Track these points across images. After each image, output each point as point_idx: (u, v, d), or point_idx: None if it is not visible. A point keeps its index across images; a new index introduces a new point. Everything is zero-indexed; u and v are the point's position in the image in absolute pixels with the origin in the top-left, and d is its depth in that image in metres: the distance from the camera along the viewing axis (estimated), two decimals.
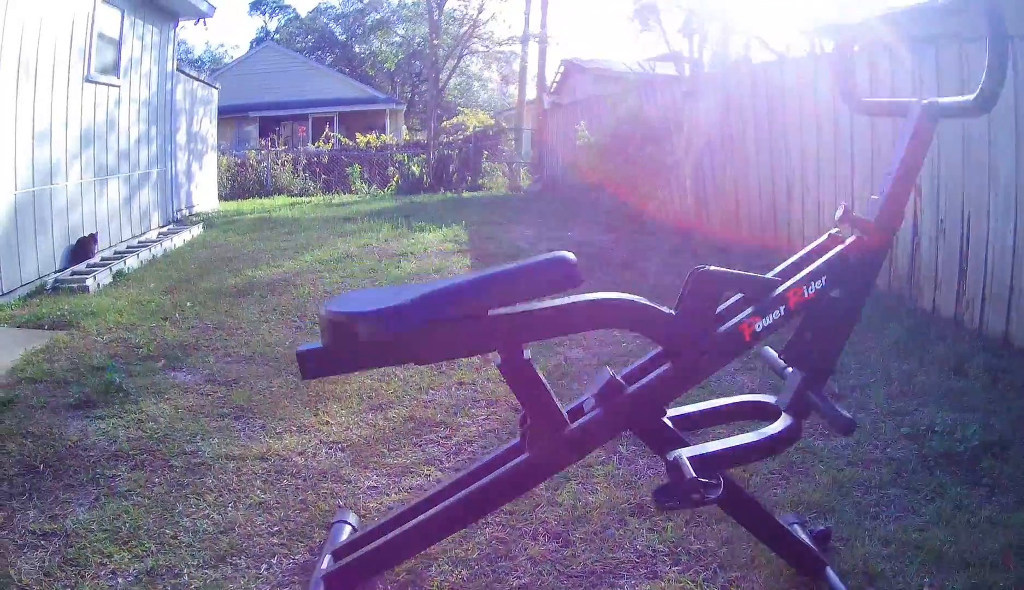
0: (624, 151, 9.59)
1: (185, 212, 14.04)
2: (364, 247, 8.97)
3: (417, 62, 19.87)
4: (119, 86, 10.29)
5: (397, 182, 20.28)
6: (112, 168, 10.07)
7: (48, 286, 7.55)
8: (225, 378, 4.75)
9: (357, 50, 35.90)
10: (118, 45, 10.23)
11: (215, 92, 16.60)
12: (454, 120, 27.45)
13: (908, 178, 2.05)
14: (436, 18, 20.12)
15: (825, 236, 2.24)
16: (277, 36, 47.77)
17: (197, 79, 15.04)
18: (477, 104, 23.87)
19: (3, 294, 7.05)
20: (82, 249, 8.63)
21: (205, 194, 15.73)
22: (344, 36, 40.62)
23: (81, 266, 8.25)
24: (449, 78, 23.51)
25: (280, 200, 18.25)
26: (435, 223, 10.82)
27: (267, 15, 50.56)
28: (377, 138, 24.52)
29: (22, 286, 7.40)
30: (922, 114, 2.02)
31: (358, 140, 24.22)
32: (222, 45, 50.58)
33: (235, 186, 20.70)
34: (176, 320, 6.10)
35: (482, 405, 4.29)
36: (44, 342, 5.47)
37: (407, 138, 27.45)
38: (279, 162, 21.38)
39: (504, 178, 20.99)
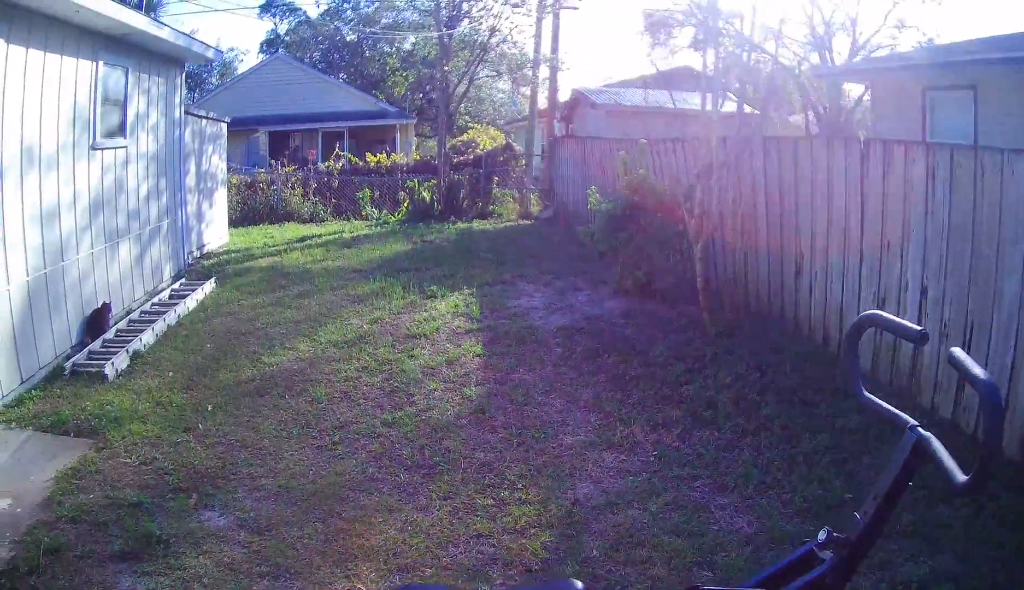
0: (636, 221, 9.48)
1: (196, 253, 14.01)
2: (376, 323, 8.88)
3: (426, 69, 19.65)
4: (126, 146, 10.23)
5: (407, 208, 20.17)
6: (122, 230, 10.03)
7: (66, 372, 7.48)
8: (257, 523, 4.79)
9: (368, 55, 35.65)
10: (123, 104, 10.13)
11: (224, 126, 16.54)
12: (464, 137, 27.34)
13: (889, 506, 2.04)
14: (446, 41, 19.93)
15: (805, 549, 2.23)
16: (287, 38, 47.66)
17: (206, 117, 14.98)
18: (488, 115, 23.62)
19: (22, 381, 7.03)
20: (96, 321, 8.59)
21: (216, 230, 15.68)
22: (354, 37, 40.40)
23: (97, 344, 8.18)
24: (460, 103, 23.33)
25: (290, 230, 18.17)
26: (446, 284, 10.73)
27: (277, 17, 50.45)
28: (387, 157, 24.37)
29: (40, 369, 7.39)
30: (912, 451, 1.99)
31: (368, 160, 24.11)
32: (232, 49, 50.50)
33: (245, 209, 20.61)
34: (199, 434, 6.08)
35: (499, 565, 4.27)
36: (73, 458, 5.58)
37: (416, 157, 27.31)
38: (289, 184, 21.29)
39: (515, 204, 20.83)
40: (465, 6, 20.18)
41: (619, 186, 10.05)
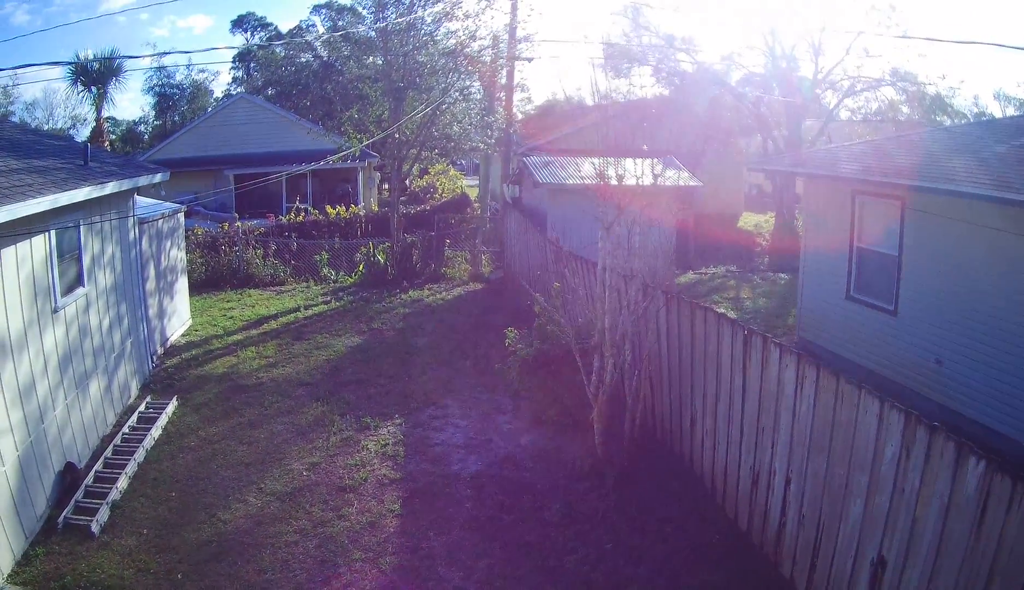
0: (547, 367, 10.65)
1: (160, 351, 15.01)
2: (313, 470, 10.09)
3: (379, 131, 20.51)
4: (86, 293, 11.10)
5: (362, 270, 21.28)
6: (90, 370, 11.01)
7: (59, 526, 8.67)
8: None
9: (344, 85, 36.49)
10: (79, 254, 10.95)
11: (181, 216, 17.48)
12: (423, 181, 28.40)
13: None
14: (396, 108, 20.84)
15: None
16: (259, 53, 48.23)
17: (161, 217, 15.84)
18: (453, 144, 24.41)
19: (26, 538, 8.30)
20: (69, 472, 9.63)
21: (179, 318, 16.68)
22: (320, 67, 41.22)
23: (80, 494, 9.26)
24: (412, 167, 24.27)
25: (250, 301, 19.30)
26: (381, 410, 11.97)
27: (249, 32, 51.02)
28: (346, 209, 25.43)
29: (38, 522, 8.65)
30: None
31: (328, 212, 25.16)
32: (203, 71, 51.06)
33: (209, 271, 21.61)
34: None
35: None
36: None
37: (375, 208, 28.33)
38: (250, 245, 22.23)
39: (467, 265, 21.93)
40: (415, 76, 20.98)
41: (535, 326, 11.18)
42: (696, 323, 9.18)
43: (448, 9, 20.52)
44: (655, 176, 10.59)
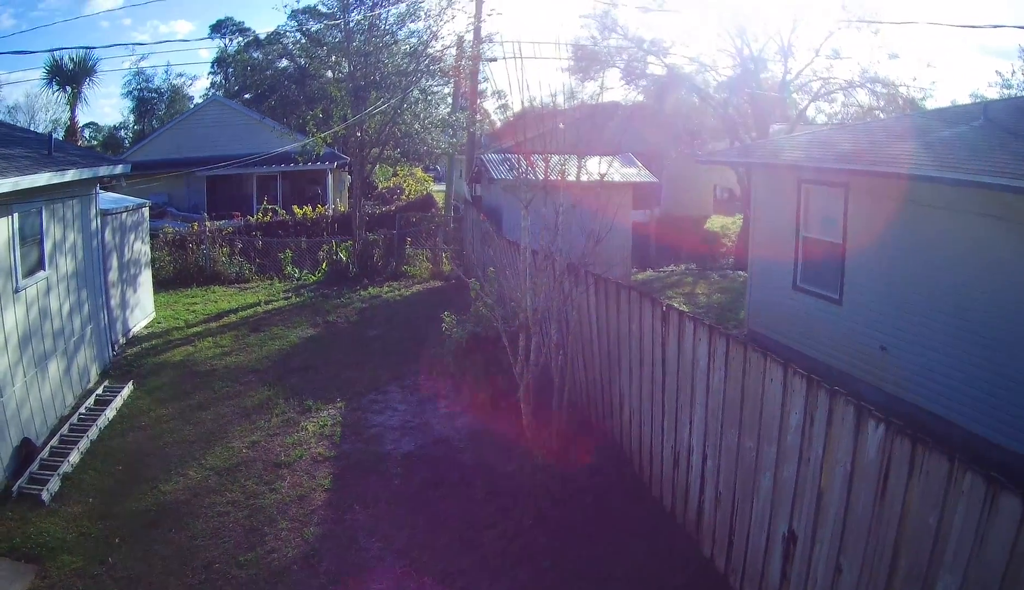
0: (482, 350, 11.27)
1: (122, 341, 15.55)
2: (253, 447, 10.69)
3: (342, 131, 21.07)
4: (47, 276, 11.64)
5: (325, 268, 21.91)
6: (50, 352, 11.56)
7: (14, 494, 9.22)
8: None
9: (312, 88, 37.10)
10: (40, 239, 11.49)
11: (146, 210, 18.04)
12: (390, 183, 29.05)
13: None
14: (358, 108, 21.39)
15: None
16: (238, 56, 48.80)
17: (124, 211, 16.40)
18: (424, 144, 25.00)
19: None
20: (25, 447, 10.17)
21: (142, 309, 17.23)
22: (295, 71, 41.84)
23: (35, 466, 9.79)
24: (374, 167, 24.92)
25: (214, 297, 19.93)
26: (325, 394, 12.60)
27: (227, 38, 51.54)
28: (312, 210, 26.06)
29: None
30: None
31: (295, 212, 25.77)
32: (181, 76, 51.67)
33: (177, 268, 22.20)
34: (110, 567, 7.92)
35: None
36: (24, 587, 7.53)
37: (342, 209, 28.94)
38: (217, 244, 22.79)
39: (428, 264, 22.56)
40: (377, 76, 21.58)
41: (471, 310, 11.82)
42: (621, 303, 9.38)
43: (411, 10, 21.17)
44: (602, 171, 11.00)
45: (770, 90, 28.04)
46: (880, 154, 12.23)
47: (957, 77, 70.65)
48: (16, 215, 10.59)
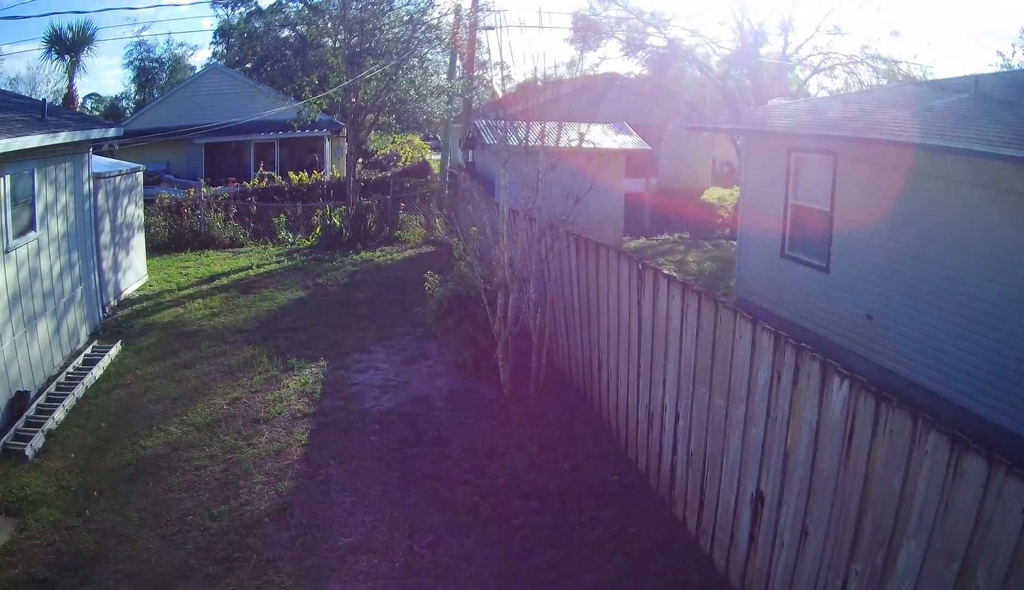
0: (464, 308, 11.42)
1: (113, 303, 15.73)
2: (234, 404, 10.89)
3: (337, 96, 21.10)
4: (38, 237, 11.78)
5: (319, 233, 22.04)
6: (39, 312, 11.72)
7: None
8: None
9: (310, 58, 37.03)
10: (32, 201, 11.65)
11: (140, 174, 18.14)
12: (387, 150, 29.07)
13: None
14: (354, 74, 21.40)
15: None
16: (240, 27, 48.70)
17: (119, 175, 16.52)
18: (423, 114, 25.05)
19: None
20: (19, 400, 10.41)
21: (134, 272, 17.40)
22: (296, 40, 41.75)
23: (20, 423, 9.98)
24: (370, 131, 24.93)
25: (207, 261, 20.07)
26: (309, 352, 12.78)
27: (229, 8, 51.33)
28: (309, 176, 26.14)
29: None
30: None
31: (291, 178, 25.85)
32: (182, 45, 51.57)
33: (172, 234, 22.36)
34: (87, 519, 8.07)
35: None
36: (4, 539, 7.67)
37: (338, 176, 28.96)
38: (212, 209, 22.91)
39: (421, 229, 22.66)
40: (373, 43, 21.59)
41: (453, 270, 11.96)
42: (600, 262, 9.45)
43: None
44: (591, 137, 11.10)
45: (771, 63, 27.98)
46: (869, 122, 12.26)
47: (959, 58, 69.95)
48: (8, 176, 10.71)
